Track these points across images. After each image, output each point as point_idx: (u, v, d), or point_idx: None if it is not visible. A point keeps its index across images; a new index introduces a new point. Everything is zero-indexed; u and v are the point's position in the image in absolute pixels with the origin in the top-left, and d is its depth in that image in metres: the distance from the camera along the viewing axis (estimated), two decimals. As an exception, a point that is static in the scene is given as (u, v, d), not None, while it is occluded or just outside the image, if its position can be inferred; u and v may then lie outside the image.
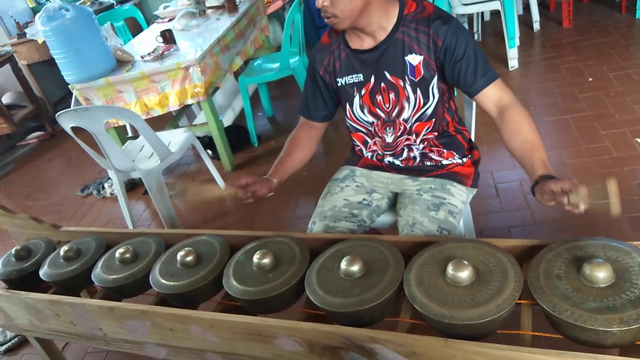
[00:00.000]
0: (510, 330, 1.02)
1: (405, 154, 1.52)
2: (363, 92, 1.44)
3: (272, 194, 1.47)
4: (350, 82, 1.45)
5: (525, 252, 1.15)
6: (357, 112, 1.48)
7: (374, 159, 1.59)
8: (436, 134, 1.47)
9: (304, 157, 1.59)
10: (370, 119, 1.48)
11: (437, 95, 1.40)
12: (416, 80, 1.37)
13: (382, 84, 1.41)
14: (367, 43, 1.40)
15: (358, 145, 1.59)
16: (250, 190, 1.40)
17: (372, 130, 1.51)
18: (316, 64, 1.50)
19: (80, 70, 2.82)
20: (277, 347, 1.14)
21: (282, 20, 4.84)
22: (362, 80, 1.43)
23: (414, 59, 1.36)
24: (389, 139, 1.49)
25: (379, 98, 1.43)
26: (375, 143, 1.54)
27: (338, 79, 1.47)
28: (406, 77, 1.38)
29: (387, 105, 1.43)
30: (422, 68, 1.36)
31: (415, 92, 1.39)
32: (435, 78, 1.37)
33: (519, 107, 1.30)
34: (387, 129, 1.47)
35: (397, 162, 1.55)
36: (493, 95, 1.33)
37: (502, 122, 1.30)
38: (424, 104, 1.40)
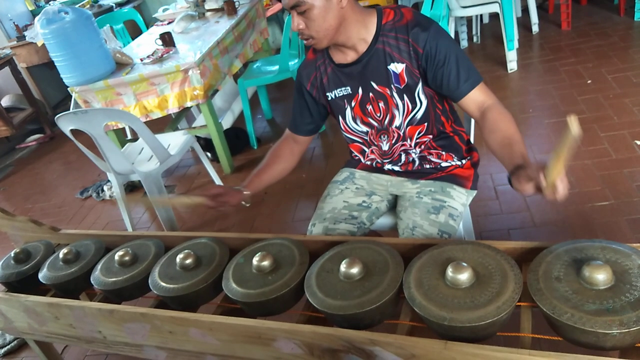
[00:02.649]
0: (510, 333, 1.02)
1: (403, 159, 1.52)
2: (353, 103, 1.44)
3: (249, 204, 1.49)
4: (339, 95, 1.45)
5: (525, 254, 1.15)
6: (351, 123, 1.49)
7: (373, 165, 1.59)
8: (431, 136, 1.47)
9: (283, 170, 1.60)
10: (364, 128, 1.48)
11: (424, 100, 1.39)
12: (402, 87, 1.37)
13: (371, 94, 1.41)
14: (350, 56, 1.39)
15: (356, 155, 1.60)
16: (220, 200, 1.45)
17: (368, 140, 1.51)
18: (303, 80, 1.51)
19: (80, 72, 2.82)
20: (276, 350, 1.14)
21: (282, 22, 4.85)
22: (351, 92, 1.43)
23: (397, 67, 1.35)
24: (385, 147, 1.50)
25: (370, 108, 1.43)
26: (372, 152, 1.54)
27: (328, 94, 1.47)
28: (392, 86, 1.37)
29: (379, 114, 1.43)
30: (405, 76, 1.35)
31: (402, 99, 1.39)
32: (420, 84, 1.36)
33: (500, 107, 1.31)
34: (382, 137, 1.48)
35: (396, 168, 1.55)
36: (476, 98, 1.33)
37: (483, 123, 1.31)
38: (413, 109, 1.40)
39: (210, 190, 1.46)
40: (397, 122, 1.43)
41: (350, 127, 1.50)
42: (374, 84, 1.39)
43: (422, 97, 1.38)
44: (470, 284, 1.04)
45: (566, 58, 3.58)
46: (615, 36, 3.71)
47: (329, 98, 1.48)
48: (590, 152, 2.50)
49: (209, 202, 1.45)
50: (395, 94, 1.38)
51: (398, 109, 1.40)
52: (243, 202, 1.51)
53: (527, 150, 2.54)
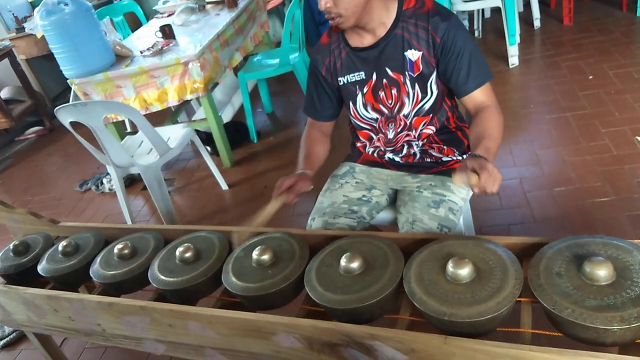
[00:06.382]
0: (510, 328, 1.01)
1: (405, 151, 1.52)
2: (365, 89, 1.44)
3: (312, 187, 1.45)
4: (352, 80, 1.45)
5: (526, 249, 1.15)
6: (361, 110, 1.48)
7: (375, 155, 1.58)
8: (434, 129, 1.47)
9: (324, 152, 1.58)
10: (374, 115, 1.48)
11: (435, 91, 1.40)
12: (414, 76, 1.37)
13: (384, 80, 1.41)
14: (367, 40, 1.39)
15: (363, 142, 1.59)
16: (294, 190, 1.38)
17: (377, 127, 1.51)
18: (318, 65, 1.50)
19: (79, 65, 2.81)
20: (276, 344, 1.14)
21: (282, 16, 4.83)
22: (364, 78, 1.43)
23: (413, 55, 1.36)
24: (390, 134, 1.50)
25: (382, 94, 1.43)
26: (379, 139, 1.54)
27: (339, 78, 1.47)
28: (406, 73, 1.38)
29: (390, 101, 1.43)
30: (420, 64, 1.36)
31: (413, 87, 1.39)
32: (434, 74, 1.37)
33: (494, 109, 1.35)
34: (390, 125, 1.48)
35: (397, 158, 1.55)
36: (478, 98, 1.37)
37: (474, 119, 1.36)
38: (422, 99, 1.41)
39: (282, 186, 1.38)
40: (405, 111, 1.43)
41: (360, 114, 1.49)
42: (388, 70, 1.39)
43: (434, 87, 1.39)
44: (471, 279, 1.04)
45: (568, 53, 3.56)
46: (617, 32, 3.69)
47: (341, 83, 1.47)
48: (591, 147, 2.49)
49: (289, 198, 1.38)
50: (407, 82, 1.39)
51: (408, 97, 1.41)
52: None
53: (528, 146, 2.52)
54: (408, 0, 1.36)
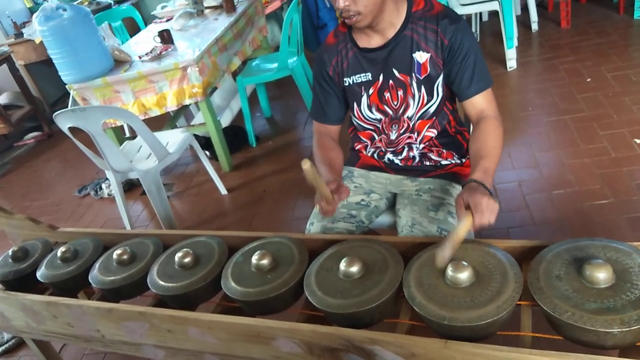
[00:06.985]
0: (510, 332, 1.01)
1: (405, 153, 1.52)
2: (371, 91, 1.44)
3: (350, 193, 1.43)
4: (357, 81, 1.45)
5: (525, 253, 1.15)
6: (365, 111, 1.48)
7: (375, 156, 1.58)
8: (436, 132, 1.47)
9: (342, 159, 1.52)
10: (379, 116, 1.48)
11: (441, 94, 1.40)
12: (421, 78, 1.38)
13: (391, 82, 1.41)
14: (375, 41, 1.40)
15: (364, 142, 1.59)
16: (339, 193, 1.30)
17: (380, 128, 1.51)
18: (325, 65, 1.49)
19: (78, 70, 2.81)
20: (275, 349, 1.14)
21: (280, 20, 4.83)
22: (371, 79, 1.43)
23: (421, 57, 1.36)
24: (393, 135, 1.50)
25: (387, 95, 1.43)
26: (380, 140, 1.54)
27: (345, 79, 1.47)
28: (413, 74, 1.38)
29: (395, 103, 1.43)
30: (428, 66, 1.37)
31: (420, 90, 1.40)
32: (441, 76, 1.38)
33: (495, 121, 1.34)
34: (393, 126, 1.48)
35: (396, 160, 1.55)
36: (479, 105, 1.36)
37: (474, 130, 1.36)
38: (428, 102, 1.41)
39: (327, 191, 1.27)
40: (410, 112, 1.43)
41: (364, 115, 1.49)
42: (395, 72, 1.39)
43: (440, 90, 1.40)
44: (471, 283, 1.03)
45: (565, 56, 3.58)
46: (614, 34, 3.71)
47: (346, 84, 1.47)
48: (590, 150, 2.50)
49: (333, 203, 1.28)
50: (414, 83, 1.39)
51: (414, 99, 1.41)
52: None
53: (526, 149, 2.53)
54: (417, 2, 1.37)
